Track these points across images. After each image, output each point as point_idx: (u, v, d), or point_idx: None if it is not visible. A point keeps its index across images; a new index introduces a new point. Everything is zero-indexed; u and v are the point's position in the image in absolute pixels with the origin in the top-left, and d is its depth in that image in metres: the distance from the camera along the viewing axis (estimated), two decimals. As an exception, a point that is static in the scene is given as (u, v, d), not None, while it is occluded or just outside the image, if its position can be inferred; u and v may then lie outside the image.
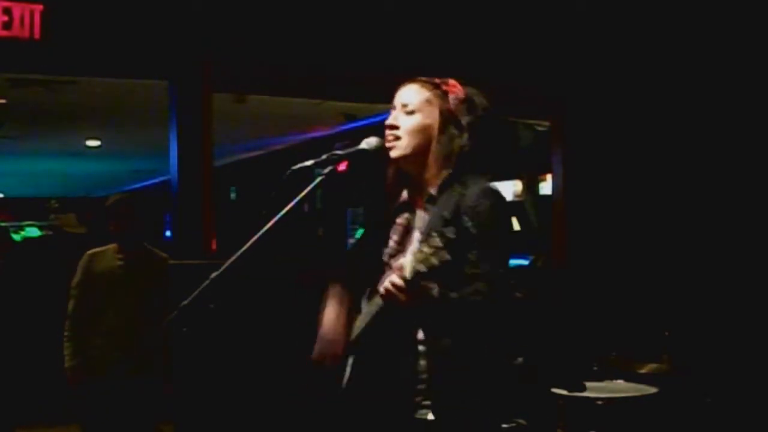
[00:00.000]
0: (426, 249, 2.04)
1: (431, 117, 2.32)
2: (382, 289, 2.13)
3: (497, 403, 2.25)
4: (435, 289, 2.12)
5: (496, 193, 2.28)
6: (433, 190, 2.32)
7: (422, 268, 2.04)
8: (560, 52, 6.38)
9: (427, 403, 2.22)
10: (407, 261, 2.07)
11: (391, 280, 2.10)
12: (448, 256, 2.03)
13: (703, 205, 5.83)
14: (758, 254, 5.50)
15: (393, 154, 2.33)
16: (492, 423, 2.26)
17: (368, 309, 2.31)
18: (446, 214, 2.22)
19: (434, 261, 2.03)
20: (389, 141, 2.33)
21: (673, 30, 6.00)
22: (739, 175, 5.68)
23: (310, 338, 2.42)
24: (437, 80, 2.38)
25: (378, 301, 2.22)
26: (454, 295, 2.15)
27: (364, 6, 5.78)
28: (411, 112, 2.33)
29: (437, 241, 2.04)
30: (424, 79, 2.39)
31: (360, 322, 2.35)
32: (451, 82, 2.38)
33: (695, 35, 5.86)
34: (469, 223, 2.20)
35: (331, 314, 2.42)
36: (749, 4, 5.61)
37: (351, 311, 2.41)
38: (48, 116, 9.30)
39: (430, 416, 2.21)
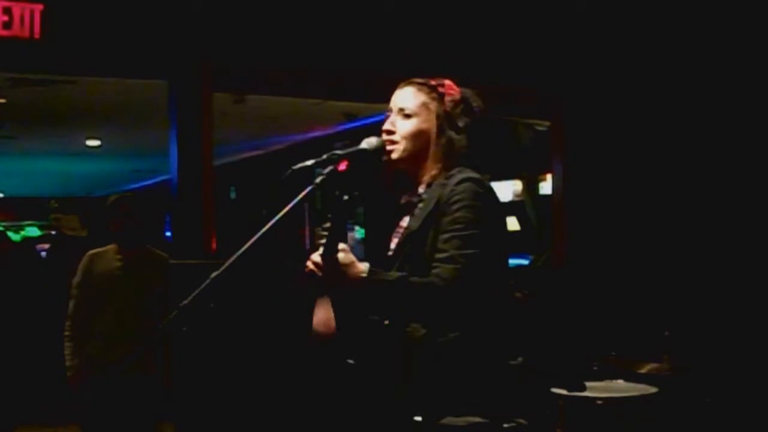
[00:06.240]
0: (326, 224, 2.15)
1: (428, 121, 2.31)
2: (307, 270, 2.17)
3: (484, 400, 2.21)
4: (365, 265, 2.13)
5: (478, 181, 2.23)
6: (422, 189, 2.31)
7: (323, 238, 2.13)
8: (560, 53, 6.38)
9: (411, 400, 2.20)
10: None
11: (312, 258, 2.15)
12: (332, 221, 2.14)
13: (703, 205, 5.82)
14: (758, 254, 5.50)
15: (392, 156, 2.32)
16: (486, 423, 2.22)
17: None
18: (430, 207, 2.21)
19: (327, 225, 2.13)
20: (386, 145, 2.32)
21: (672, 30, 6.00)
22: (739, 175, 5.68)
23: (309, 339, 2.41)
24: (433, 82, 2.35)
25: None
26: (395, 274, 2.14)
27: (363, 6, 5.78)
28: (408, 116, 2.31)
29: (331, 212, 2.15)
30: (420, 80, 2.36)
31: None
32: (447, 83, 2.36)
33: (695, 35, 5.86)
34: (446, 210, 2.18)
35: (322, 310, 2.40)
36: (749, 4, 5.61)
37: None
38: (48, 116, 9.27)
39: (417, 417, 2.19)
